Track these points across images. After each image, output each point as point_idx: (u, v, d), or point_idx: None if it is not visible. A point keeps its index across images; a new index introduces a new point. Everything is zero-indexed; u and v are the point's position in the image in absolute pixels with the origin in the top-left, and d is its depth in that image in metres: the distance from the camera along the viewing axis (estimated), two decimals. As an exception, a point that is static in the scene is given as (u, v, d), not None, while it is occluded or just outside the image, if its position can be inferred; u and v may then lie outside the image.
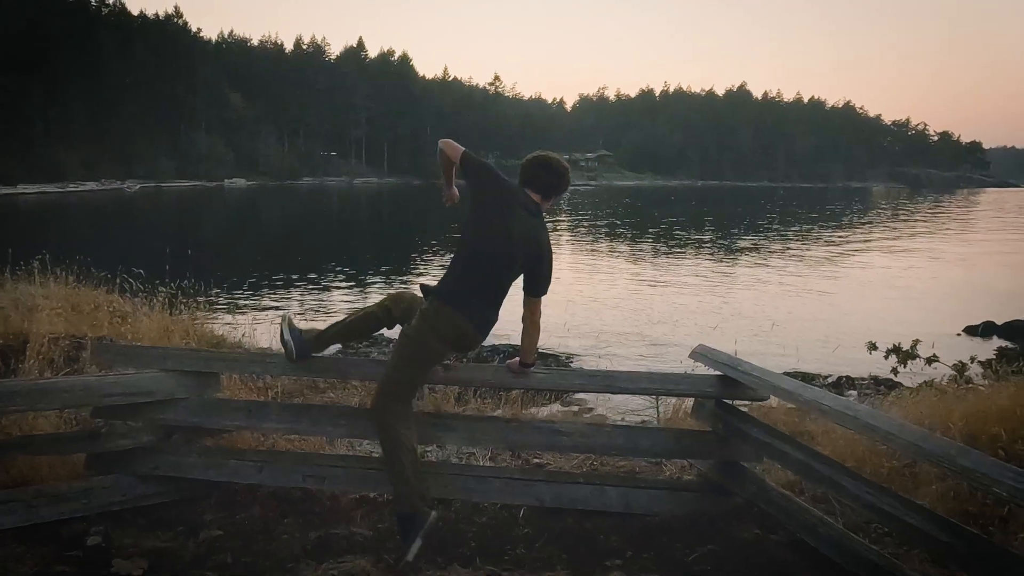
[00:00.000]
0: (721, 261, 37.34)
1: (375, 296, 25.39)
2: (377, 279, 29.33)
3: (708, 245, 46.13)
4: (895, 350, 10.00)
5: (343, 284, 28.01)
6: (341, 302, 24.14)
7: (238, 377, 7.33)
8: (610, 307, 23.78)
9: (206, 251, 32.72)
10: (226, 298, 20.83)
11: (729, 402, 5.98)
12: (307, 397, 8.00)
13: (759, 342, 18.25)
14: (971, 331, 20.53)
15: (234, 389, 7.28)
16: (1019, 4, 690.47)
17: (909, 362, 10.05)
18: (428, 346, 5.30)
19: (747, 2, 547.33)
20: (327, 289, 26.92)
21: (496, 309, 5.44)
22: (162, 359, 5.66)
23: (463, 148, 5.75)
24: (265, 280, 27.40)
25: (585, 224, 62.57)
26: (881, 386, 14.62)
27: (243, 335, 10.14)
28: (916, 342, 10.03)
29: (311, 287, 27.00)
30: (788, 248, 43.43)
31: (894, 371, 10.72)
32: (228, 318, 15.07)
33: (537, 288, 5.44)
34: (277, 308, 21.61)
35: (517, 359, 5.69)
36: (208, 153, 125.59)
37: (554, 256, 5.58)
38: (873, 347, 10.11)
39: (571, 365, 15.82)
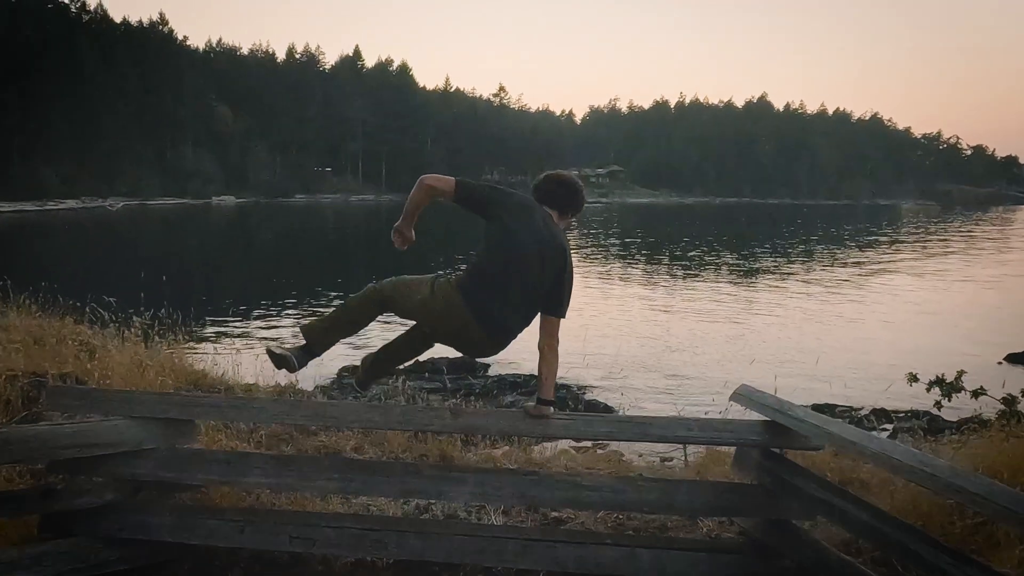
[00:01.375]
0: (741, 285, 37.09)
1: (373, 327, 25.11)
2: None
3: (727, 267, 45.75)
4: (938, 382, 9.60)
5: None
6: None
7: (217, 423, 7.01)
8: (626, 334, 23.51)
9: (190, 275, 32.57)
10: (210, 328, 20.49)
11: (778, 451, 5.61)
12: (297, 443, 7.49)
13: (783, 371, 17.69)
14: (1013, 359, 20.28)
15: (212, 436, 6.89)
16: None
17: (954, 395, 9.71)
18: (431, 323, 5.44)
19: (767, 8, 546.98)
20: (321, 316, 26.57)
21: (519, 314, 5.25)
22: (128, 404, 5.27)
23: (455, 177, 5.40)
24: (253, 307, 27.06)
25: (597, 244, 62.23)
26: (920, 420, 14.27)
27: (227, 370, 9.56)
28: (961, 373, 9.66)
29: (302, 314, 26.58)
30: (812, 270, 43.20)
31: (937, 405, 10.38)
32: (212, 350, 14.65)
33: (557, 306, 5.25)
34: (266, 338, 21.23)
35: (532, 403, 5.40)
36: (195, 169, 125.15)
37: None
38: (913, 379, 9.72)
39: (585, 398, 15.49)
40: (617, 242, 63.89)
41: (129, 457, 5.19)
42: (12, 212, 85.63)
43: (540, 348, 5.26)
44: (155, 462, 5.26)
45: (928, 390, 9.72)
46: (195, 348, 14.18)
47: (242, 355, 10.81)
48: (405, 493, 5.69)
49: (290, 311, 27.01)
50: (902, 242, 68.44)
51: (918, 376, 9.80)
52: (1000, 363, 20.03)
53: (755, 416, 5.61)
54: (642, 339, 22.85)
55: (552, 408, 5.37)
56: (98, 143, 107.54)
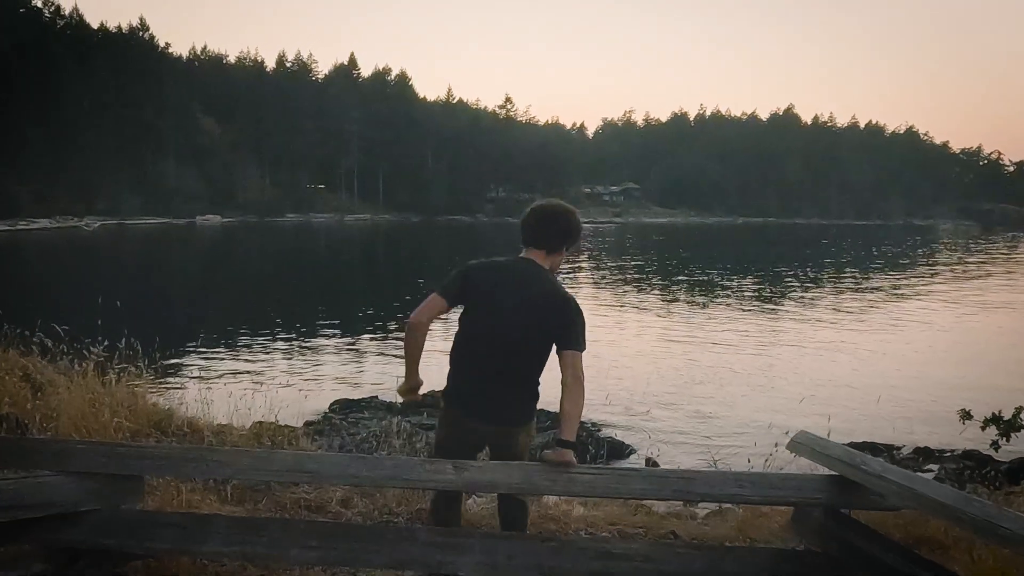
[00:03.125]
0: (765, 313, 36.52)
1: (368, 358, 24.60)
2: (368, 336, 28.26)
3: (751, 294, 45.26)
4: (995, 420, 9.15)
5: (325, 341, 27.07)
6: (324, 365, 23.19)
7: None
8: (647, 367, 23.03)
9: (161, 301, 31.92)
10: (180, 360, 19.85)
11: (846, 512, 5.00)
12: (274, 495, 6.86)
13: (814, 405, 17.62)
14: (1065, 397, 19.66)
15: (169, 490, 6.30)
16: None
17: (1013, 434, 9.22)
18: (449, 451, 5.32)
19: (793, 16, 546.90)
20: (306, 349, 25.95)
21: (516, 388, 5.33)
22: (61, 456, 4.73)
23: (434, 291, 5.44)
24: (229, 337, 26.62)
25: (609, 268, 61.78)
26: (970, 461, 13.77)
27: (198, 409, 8.71)
28: (1020, 409, 9.18)
29: (288, 346, 26.04)
30: (843, 297, 42.64)
31: (994, 445, 9.89)
32: (181, 386, 14.03)
33: (569, 339, 5.19)
34: (243, 372, 20.69)
35: (551, 450, 5.04)
36: (178, 186, 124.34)
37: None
38: (966, 415, 9.29)
39: (606, 440, 14.90)
40: (633, 265, 63.34)
41: (64, 521, 4.65)
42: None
43: (564, 383, 5.07)
44: (94, 527, 4.72)
45: (983, 428, 9.25)
46: (162, 383, 13.60)
47: (215, 391, 10.06)
48: (398, 564, 5.18)
49: (271, 342, 26.41)
50: (938, 265, 68.00)
51: (971, 413, 9.31)
52: (1052, 402, 19.41)
53: (818, 468, 5.20)
54: (664, 372, 22.48)
55: (574, 452, 5.02)
56: (74, 158, 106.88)
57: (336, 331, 28.82)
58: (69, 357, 9.33)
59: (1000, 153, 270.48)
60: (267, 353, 24.57)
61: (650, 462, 13.57)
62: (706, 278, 53.90)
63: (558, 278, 5.59)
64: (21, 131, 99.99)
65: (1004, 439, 9.06)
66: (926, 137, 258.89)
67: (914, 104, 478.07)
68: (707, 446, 14.74)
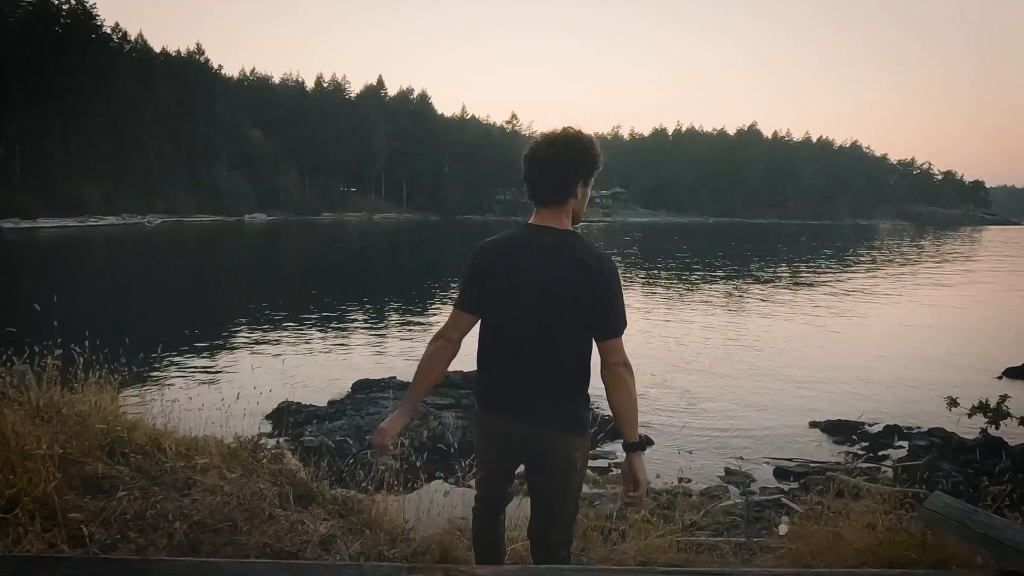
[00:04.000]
0: (739, 299, 35.48)
1: (391, 342, 23.47)
2: (395, 319, 27.07)
3: (724, 283, 44.25)
4: (982, 407, 8.22)
5: (353, 324, 25.96)
6: (350, 347, 22.17)
7: None
8: (638, 345, 21.91)
9: (161, 298, 30.62)
10: (163, 363, 18.03)
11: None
12: None
13: (787, 393, 17.02)
14: (1013, 374, 19.01)
15: None
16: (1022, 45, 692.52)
17: (1001, 422, 8.30)
18: (486, 462, 4.07)
19: (757, 46, 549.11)
20: (334, 331, 24.82)
21: (550, 381, 3.74)
22: None
23: (454, 308, 3.97)
24: (223, 336, 23.44)
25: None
26: (937, 439, 12.88)
27: (172, 420, 6.05)
28: (1004, 397, 8.27)
29: (315, 329, 24.83)
30: (800, 287, 41.57)
31: (983, 433, 9.07)
32: (158, 393, 12.66)
33: (607, 323, 3.70)
34: (259, 361, 19.22)
35: (626, 464, 3.74)
36: (229, 188, 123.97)
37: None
38: (953, 403, 8.35)
39: (597, 410, 13.89)
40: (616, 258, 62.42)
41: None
42: (55, 228, 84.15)
43: (606, 379, 3.71)
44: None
45: (970, 416, 8.37)
46: (147, 388, 12.45)
47: (195, 397, 8.12)
48: None
49: (299, 327, 24.67)
50: (889, 261, 67.22)
51: (957, 400, 8.43)
52: (999, 378, 18.79)
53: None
54: (657, 352, 21.35)
55: (643, 452, 3.79)
56: (137, 163, 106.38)
57: (363, 314, 27.78)
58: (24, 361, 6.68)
59: (931, 164, 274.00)
60: (252, 352, 22.32)
61: (643, 438, 12.60)
62: (682, 270, 52.90)
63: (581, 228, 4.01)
64: (92, 140, 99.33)
65: (993, 427, 8.11)
66: (868, 150, 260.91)
67: (858, 121, 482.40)
68: (696, 424, 13.86)
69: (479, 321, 3.89)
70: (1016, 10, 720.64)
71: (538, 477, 3.84)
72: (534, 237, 3.80)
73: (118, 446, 5.46)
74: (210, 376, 16.85)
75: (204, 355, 19.28)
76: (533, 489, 3.90)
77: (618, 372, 3.67)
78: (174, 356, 18.40)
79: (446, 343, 3.86)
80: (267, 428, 12.53)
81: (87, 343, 6.44)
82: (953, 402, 8.22)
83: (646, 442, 3.46)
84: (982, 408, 8.02)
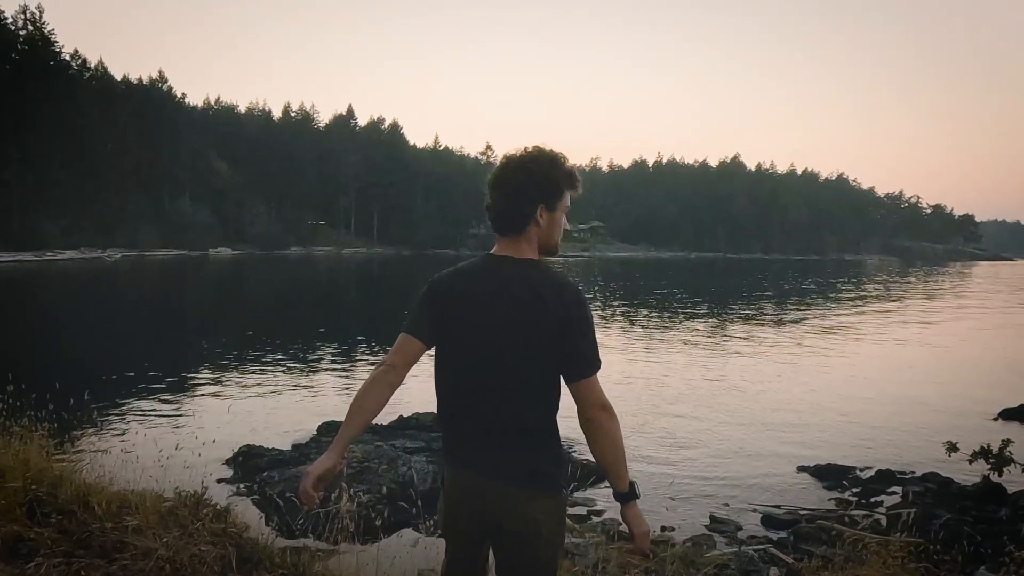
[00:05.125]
0: (722, 338, 35.33)
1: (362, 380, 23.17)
2: (355, 369, 26.69)
3: (707, 320, 44.13)
4: (984, 453, 8.05)
5: (321, 363, 25.65)
6: (317, 386, 21.84)
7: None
8: (616, 384, 21.67)
9: (110, 336, 30.30)
10: (130, 400, 17.73)
11: None
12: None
13: (774, 436, 16.67)
14: (1008, 415, 18.82)
15: None
16: (1015, 79, 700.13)
17: (1005, 468, 8.11)
18: (450, 527, 3.62)
19: (739, 75, 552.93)
20: (302, 370, 24.48)
21: (515, 432, 3.39)
22: None
23: (402, 332, 3.58)
24: (167, 375, 22.31)
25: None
26: (933, 484, 12.65)
27: (105, 471, 6.14)
28: (1007, 442, 8.09)
29: (283, 368, 24.52)
30: (785, 325, 41.46)
31: (985, 480, 8.84)
32: (96, 441, 12.07)
33: (577, 361, 3.36)
34: (217, 403, 18.99)
35: (626, 514, 3.51)
36: (192, 221, 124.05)
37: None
38: (952, 448, 8.19)
39: (576, 455, 13.63)
40: (599, 295, 62.29)
41: None
42: (11, 262, 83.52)
43: (583, 428, 3.38)
44: None
45: (971, 462, 8.19)
46: (78, 437, 11.86)
47: (138, 446, 7.75)
48: None
49: (224, 384, 23.18)
50: (877, 297, 67.30)
51: (957, 445, 8.24)
52: (995, 419, 18.54)
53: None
54: (638, 392, 21.11)
55: (635, 498, 3.52)
56: (98, 195, 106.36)
57: (331, 352, 27.43)
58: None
59: (919, 197, 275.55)
60: (259, 377, 22.70)
61: (634, 484, 12.33)
62: (679, 306, 52.82)
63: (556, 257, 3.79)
64: (50, 171, 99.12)
65: (996, 474, 7.90)
66: (855, 182, 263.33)
67: (844, 153, 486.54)
68: (679, 470, 13.58)
69: (426, 352, 3.56)
70: (1006, 43, 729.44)
71: (499, 547, 3.50)
72: (490, 268, 3.53)
73: (39, 505, 5.06)
74: (160, 422, 16.38)
75: (157, 398, 18.79)
76: (497, 564, 3.54)
77: (595, 418, 3.34)
78: (122, 400, 17.94)
79: (388, 369, 3.48)
80: (227, 474, 12.28)
81: (11, 387, 6.08)
82: (952, 447, 8.07)
83: (637, 488, 3.07)
84: (984, 454, 7.87)
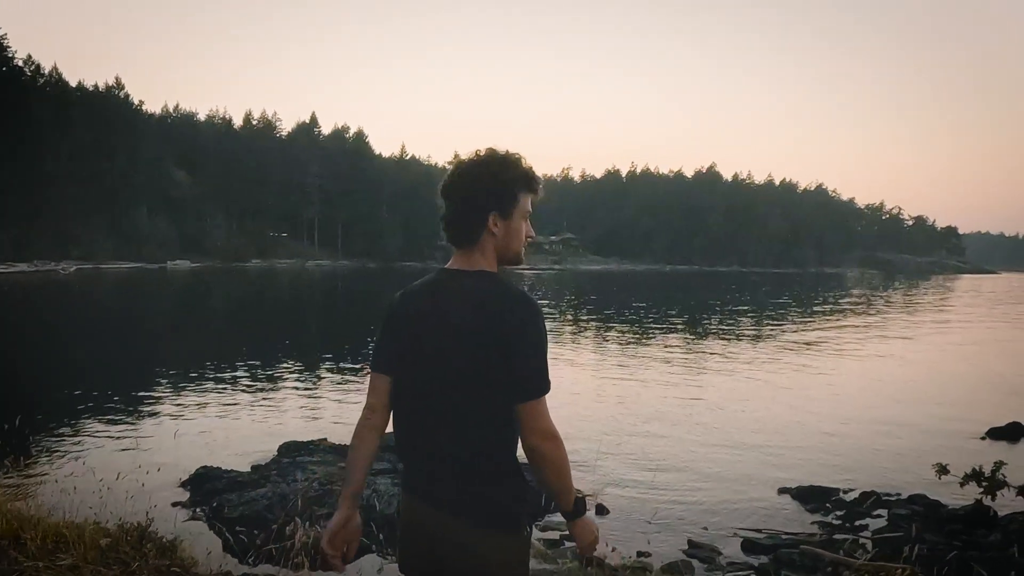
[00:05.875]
0: (698, 354, 35.26)
1: (322, 400, 22.95)
2: (318, 386, 26.41)
3: (682, 336, 44.09)
4: (976, 475, 7.94)
5: (281, 382, 25.40)
6: (277, 406, 21.60)
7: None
8: (590, 401, 21.58)
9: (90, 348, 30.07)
10: (61, 428, 17.37)
11: None
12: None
13: (753, 456, 16.51)
14: (996, 434, 18.77)
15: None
16: (995, 88, 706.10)
17: (999, 492, 8.00)
18: (405, 561, 3.42)
19: (714, 82, 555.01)
20: (261, 388, 24.25)
21: (462, 461, 3.21)
22: None
23: (370, 371, 3.50)
24: (149, 390, 22.75)
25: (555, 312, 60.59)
26: (919, 506, 12.56)
27: (45, 502, 6.02)
28: (1000, 464, 7.99)
29: (239, 386, 24.25)
30: (763, 340, 41.46)
31: (978, 504, 8.74)
32: (41, 468, 11.73)
33: (513, 383, 3.14)
34: (165, 426, 18.77)
35: (574, 531, 3.35)
36: (150, 233, 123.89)
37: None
38: (943, 470, 8.07)
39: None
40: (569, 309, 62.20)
41: None
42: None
43: (526, 454, 3.16)
44: None
45: (962, 485, 8.08)
46: (15, 465, 11.49)
47: (81, 473, 7.48)
48: None
49: (180, 403, 22.60)
50: (857, 312, 67.43)
51: (947, 468, 8.14)
52: (983, 439, 18.50)
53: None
54: (612, 410, 20.96)
55: (581, 514, 3.34)
56: (52, 206, 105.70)
57: (292, 369, 27.19)
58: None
59: (900, 209, 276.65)
60: (217, 395, 22.35)
61: (601, 509, 12.24)
62: (659, 320, 52.76)
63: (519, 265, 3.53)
64: (1, 180, 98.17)
65: (989, 497, 7.79)
66: (834, 193, 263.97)
67: (824, 163, 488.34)
68: (655, 493, 13.44)
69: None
70: (989, 52, 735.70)
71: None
72: (439, 284, 3.39)
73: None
74: (109, 445, 16.00)
75: (105, 420, 18.38)
76: None
77: (538, 448, 3.13)
78: (65, 423, 17.56)
79: (368, 413, 3.41)
80: (181, 497, 12.07)
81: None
82: (943, 469, 7.96)
83: (583, 504, 2.90)
84: (976, 476, 7.75)
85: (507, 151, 3.37)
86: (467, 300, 3.21)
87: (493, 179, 3.30)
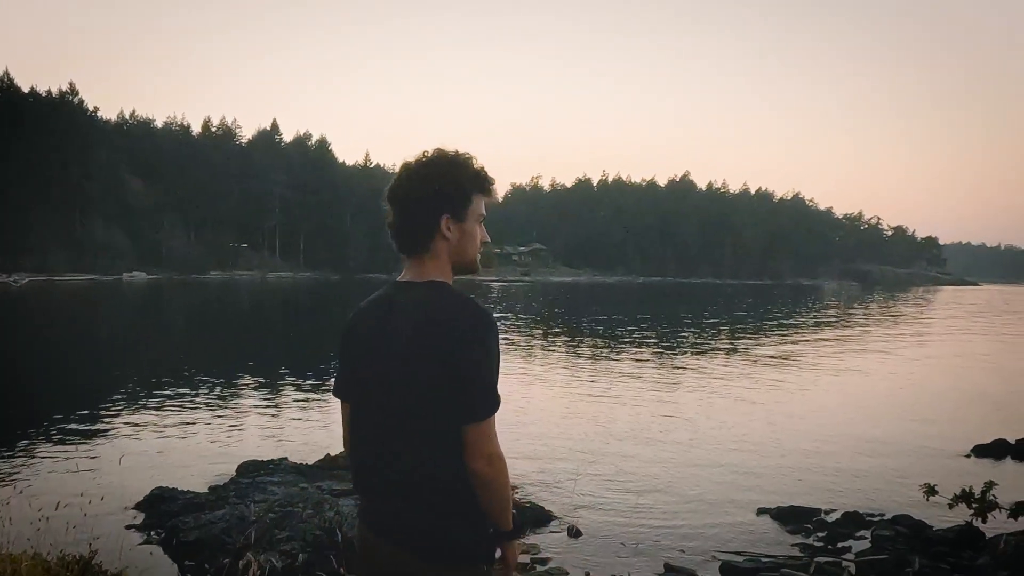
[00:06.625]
0: (672, 369, 35.24)
1: (284, 417, 22.77)
2: (278, 403, 26.25)
3: (655, 350, 44.08)
4: (966, 496, 7.87)
5: (241, 399, 25.23)
6: (236, 423, 21.41)
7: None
8: (563, 419, 21.50)
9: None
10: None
11: None
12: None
13: (731, 476, 16.41)
14: (982, 452, 18.77)
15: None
16: (979, 97, 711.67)
17: (990, 514, 7.92)
18: None
19: (688, 87, 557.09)
20: (221, 406, 24.06)
21: (414, 489, 3.06)
22: None
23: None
24: (103, 408, 22.41)
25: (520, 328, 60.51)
26: (904, 527, 12.49)
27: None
28: (991, 484, 7.91)
29: (199, 403, 24.09)
30: (738, 354, 41.48)
31: (968, 526, 8.67)
32: None
33: (463, 405, 2.99)
34: (125, 446, 18.60)
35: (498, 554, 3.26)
36: (106, 244, 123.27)
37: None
38: (931, 491, 8.00)
39: (515, 497, 13.34)
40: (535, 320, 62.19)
41: None
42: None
43: (471, 476, 3.03)
44: None
45: (951, 507, 8.00)
46: None
47: (21, 497, 7.32)
48: None
49: (134, 421, 22.20)
50: (835, 325, 67.73)
51: (936, 488, 8.06)
52: (968, 456, 18.50)
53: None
54: (586, 428, 20.84)
55: (521, 537, 3.46)
56: (3, 216, 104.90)
57: (252, 386, 27.00)
58: None
59: (879, 219, 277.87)
60: (174, 412, 22.12)
61: (572, 531, 12.13)
62: (632, 333, 52.74)
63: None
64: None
65: (979, 519, 7.70)
66: (811, 203, 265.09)
67: (801, 171, 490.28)
68: (630, 514, 13.33)
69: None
70: (968, 60, 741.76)
71: None
72: (390, 298, 3.26)
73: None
74: (53, 468, 15.69)
75: (52, 440, 18.07)
76: None
77: (480, 472, 3.01)
78: (7, 443, 17.40)
79: (345, 446, 3.38)
80: (135, 520, 11.93)
81: None
82: (931, 490, 7.88)
83: (519, 521, 2.78)
84: (966, 497, 7.67)
85: (456, 150, 3.27)
86: (411, 315, 3.10)
87: (445, 179, 3.19)
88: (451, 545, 3.05)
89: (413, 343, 3.03)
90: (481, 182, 3.28)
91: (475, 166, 3.26)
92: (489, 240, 3.38)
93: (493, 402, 3.04)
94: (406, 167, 3.25)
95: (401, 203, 3.23)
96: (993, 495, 7.64)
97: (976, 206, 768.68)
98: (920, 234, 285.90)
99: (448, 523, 3.05)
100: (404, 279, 3.25)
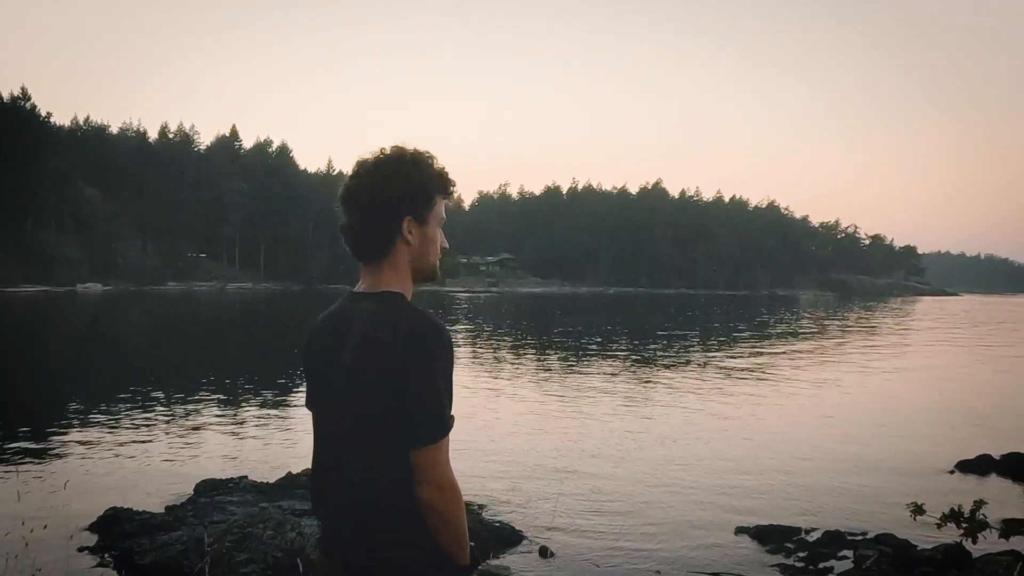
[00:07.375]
0: (644, 384, 35.18)
1: (243, 434, 22.60)
2: (237, 419, 26.12)
3: (626, 364, 44.04)
4: (955, 516, 7.80)
5: (182, 429, 25.04)
6: (195, 440, 21.24)
7: None
8: (534, 435, 21.38)
9: None
10: None
11: None
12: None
13: (708, 494, 16.27)
14: (966, 467, 18.74)
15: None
16: (957, 106, 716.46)
17: (980, 534, 7.86)
18: None
19: (660, 93, 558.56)
20: (179, 423, 23.87)
21: (370, 514, 2.91)
22: None
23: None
24: (52, 425, 22.93)
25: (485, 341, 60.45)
26: (888, 547, 12.44)
27: None
28: (980, 503, 7.86)
29: (156, 420, 23.92)
30: (712, 368, 41.42)
31: (955, 545, 8.61)
32: None
33: (410, 423, 2.84)
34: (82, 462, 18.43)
35: None
36: (59, 254, 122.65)
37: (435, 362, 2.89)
38: (918, 510, 7.93)
39: (485, 517, 13.22)
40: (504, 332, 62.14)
41: None
42: None
43: (420, 505, 2.86)
44: None
45: (939, 527, 7.94)
46: None
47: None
48: None
49: (86, 438, 21.53)
50: (810, 337, 67.93)
51: (923, 507, 8.00)
52: (952, 472, 18.46)
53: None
54: (558, 444, 20.74)
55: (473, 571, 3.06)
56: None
57: (210, 401, 26.77)
58: None
59: (856, 227, 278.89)
60: (128, 429, 21.90)
61: (545, 552, 12.02)
62: (603, 346, 52.71)
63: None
64: None
65: (969, 540, 7.63)
66: (787, 211, 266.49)
67: (776, 179, 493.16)
68: (604, 536, 13.24)
69: None
70: (949, 66, 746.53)
71: None
72: (344, 310, 3.13)
73: None
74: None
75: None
76: None
77: (430, 501, 2.86)
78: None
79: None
80: (87, 542, 11.75)
81: None
82: (919, 509, 7.80)
83: (476, 554, 2.65)
84: (955, 517, 7.61)
85: (416, 148, 3.14)
86: (365, 327, 2.95)
87: (407, 179, 3.05)
88: (406, 570, 2.93)
89: (359, 360, 2.92)
90: (443, 183, 3.17)
91: (437, 166, 3.15)
92: (447, 246, 3.25)
93: (443, 425, 2.89)
94: (362, 165, 3.07)
95: (359, 204, 3.05)
96: (983, 515, 7.58)
97: (956, 215, 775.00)
98: (899, 243, 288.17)
99: (401, 553, 2.92)
100: (359, 289, 3.13)
